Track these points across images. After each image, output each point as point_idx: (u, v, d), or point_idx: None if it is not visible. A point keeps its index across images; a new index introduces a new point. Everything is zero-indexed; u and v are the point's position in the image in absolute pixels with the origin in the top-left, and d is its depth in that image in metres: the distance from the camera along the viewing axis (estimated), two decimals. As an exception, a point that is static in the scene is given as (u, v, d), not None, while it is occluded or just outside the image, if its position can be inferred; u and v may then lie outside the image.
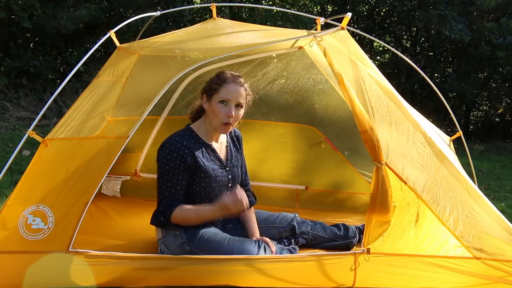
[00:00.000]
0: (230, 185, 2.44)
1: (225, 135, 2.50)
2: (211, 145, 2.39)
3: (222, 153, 2.44)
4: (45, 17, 6.74)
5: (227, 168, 2.43)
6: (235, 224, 2.55)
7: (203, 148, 2.35)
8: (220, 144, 2.46)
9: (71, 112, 2.36)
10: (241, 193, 2.19)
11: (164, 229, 2.35)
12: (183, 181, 2.27)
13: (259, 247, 2.24)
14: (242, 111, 2.33)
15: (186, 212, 2.25)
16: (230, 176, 2.43)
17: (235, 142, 2.55)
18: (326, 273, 2.13)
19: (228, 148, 2.49)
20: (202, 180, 2.32)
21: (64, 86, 2.42)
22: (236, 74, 2.36)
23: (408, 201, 2.21)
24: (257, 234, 2.46)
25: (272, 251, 2.28)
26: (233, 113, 2.27)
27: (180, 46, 2.76)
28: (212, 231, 2.35)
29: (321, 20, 2.79)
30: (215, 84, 2.31)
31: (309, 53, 2.84)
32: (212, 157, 2.38)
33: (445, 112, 8.48)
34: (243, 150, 2.60)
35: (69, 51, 7.25)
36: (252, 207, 2.58)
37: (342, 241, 2.59)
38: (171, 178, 2.25)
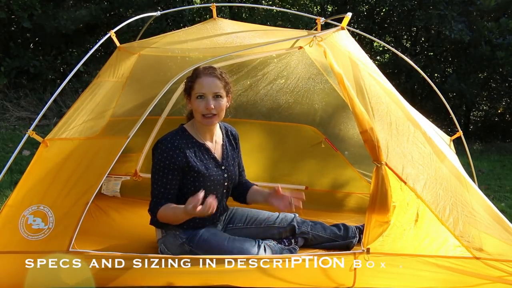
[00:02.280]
0: (226, 184, 2.43)
1: (220, 134, 2.49)
2: (204, 144, 2.38)
3: (217, 152, 2.43)
4: (45, 17, 6.74)
5: (223, 167, 2.42)
6: (235, 224, 2.56)
7: (195, 148, 2.34)
8: (215, 143, 2.44)
9: (71, 112, 2.36)
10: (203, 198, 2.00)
11: (164, 229, 2.35)
12: (174, 180, 2.27)
13: (259, 247, 2.24)
14: (223, 101, 2.30)
15: (165, 210, 2.22)
16: (226, 175, 2.42)
17: (231, 141, 2.54)
18: (326, 273, 2.13)
19: (224, 147, 2.48)
20: (196, 180, 2.31)
21: (64, 86, 2.42)
22: (209, 66, 2.34)
23: (408, 201, 2.21)
24: (269, 196, 2.33)
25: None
26: (211, 105, 2.25)
27: (180, 46, 2.77)
28: (212, 231, 2.35)
29: (321, 20, 2.80)
30: (189, 81, 2.32)
31: (309, 53, 2.86)
32: (206, 156, 2.37)
33: (445, 112, 8.48)
34: (240, 149, 2.59)
35: (69, 51, 7.26)
36: (254, 186, 2.56)
37: (342, 241, 2.59)
38: (161, 177, 2.26)
